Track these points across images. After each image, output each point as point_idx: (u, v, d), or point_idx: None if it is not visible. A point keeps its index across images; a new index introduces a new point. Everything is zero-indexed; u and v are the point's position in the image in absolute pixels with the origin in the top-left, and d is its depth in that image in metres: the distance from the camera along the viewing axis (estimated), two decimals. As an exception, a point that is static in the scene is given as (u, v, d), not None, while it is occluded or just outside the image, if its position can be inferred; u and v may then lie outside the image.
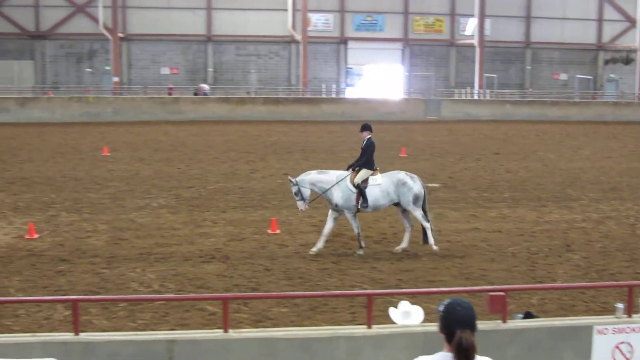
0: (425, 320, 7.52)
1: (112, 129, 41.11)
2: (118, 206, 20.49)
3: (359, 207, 15.58)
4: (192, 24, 60.65)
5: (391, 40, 63.23)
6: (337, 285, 13.52)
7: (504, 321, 8.56)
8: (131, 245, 16.30)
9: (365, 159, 15.85)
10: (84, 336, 8.11)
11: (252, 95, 54.03)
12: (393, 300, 11.21)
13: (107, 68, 58.83)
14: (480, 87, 58.00)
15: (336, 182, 15.56)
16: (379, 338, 8.31)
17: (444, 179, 25.33)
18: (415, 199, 15.60)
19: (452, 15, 63.91)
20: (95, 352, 7.87)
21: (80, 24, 59.79)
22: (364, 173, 15.70)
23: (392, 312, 7.43)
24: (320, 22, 61.94)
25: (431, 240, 15.75)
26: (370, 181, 15.65)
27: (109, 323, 11.39)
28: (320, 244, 15.66)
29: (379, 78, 63.04)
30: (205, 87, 54.54)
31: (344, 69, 63.18)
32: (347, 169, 15.96)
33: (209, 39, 61.19)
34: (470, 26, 61.87)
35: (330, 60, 62.90)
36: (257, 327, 10.59)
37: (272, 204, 20.88)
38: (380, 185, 15.66)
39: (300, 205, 15.77)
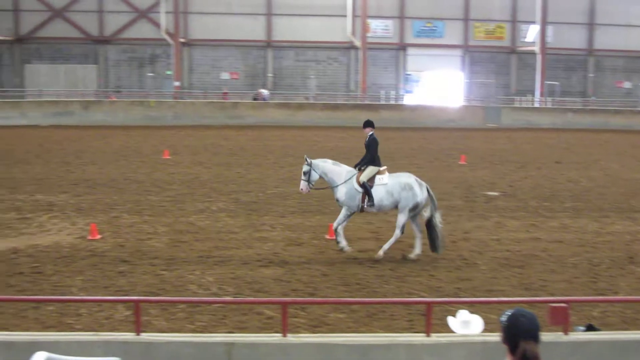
0: (485, 330, 7.45)
1: (172, 133, 41.63)
2: (178, 209, 20.72)
3: (365, 206, 15.54)
4: (252, 29, 61.09)
5: (451, 46, 62.83)
6: (395, 292, 13.45)
7: (566, 333, 8.43)
8: (190, 247, 16.46)
9: (370, 156, 15.85)
10: (145, 336, 8.21)
11: (311, 101, 54.18)
12: (451, 309, 11.12)
13: (169, 73, 59.60)
14: (542, 94, 57.27)
15: (345, 179, 15.54)
16: (438, 347, 8.25)
17: (504, 187, 25.06)
18: (415, 206, 15.51)
19: (514, 21, 63.22)
20: (155, 352, 7.97)
21: (143, 29, 60.69)
22: (369, 171, 15.69)
23: (451, 321, 7.38)
24: (380, 28, 61.83)
25: (387, 245, 15.67)
26: (377, 181, 15.62)
27: (168, 324, 11.51)
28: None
29: (438, 85, 62.68)
30: (265, 92, 54.90)
31: (403, 76, 62.98)
32: (355, 168, 15.92)
33: (268, 44, 61.57)
34: (531, 33, 61.12)
35: (390, 66, 62.76)
36: (315, 332, 10.60)
37: (330, 209, 20.85)
38: (386, 185, 15.61)
39: (304, 187, 15.89)
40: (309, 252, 16.16)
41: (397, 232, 15.65)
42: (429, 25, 62.79)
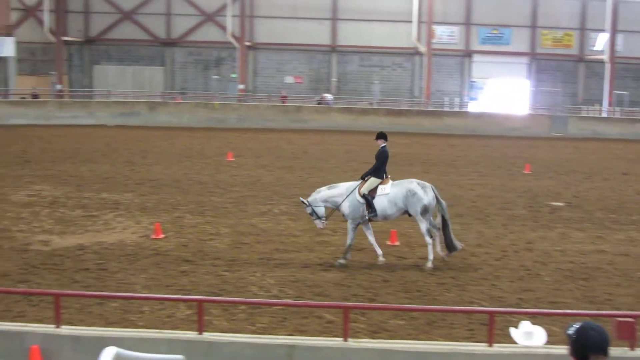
0: (547, 342, 7.34)
1: (236, 135, 42.00)
2: (240, 211, 20.88)
3: (369, 216, 15.49)
4: (317, 34, 61.29)
5: (517, 54, 62.10)
6: (455, 300, 13.34)
7: (632, 349, 8.26)
8: (252, 249, 16.57)
9: (375, 167, 15.74)
10: (208, 335, 8.30)
11: (375, 106, 54.11)
12: (513, 319, 10.98)
13: (233, 75, 60.16)
14: (610, 104, 56.22)
15: (347, 194, 15.53)
16: (500, 357, 8.16)
17: (569, 197, 24.65)
18: (424, 210, 15.41)
19: (582, 29, 62.19)
20: (217, 351, 8.05)
21: (209, 33, 61.38)
22: (371, 182, 15.63)
23: (514, 332, 7.30)
24: (445, 34, 61.47)
25: (430, 255, 15.49)
26: (379, 191, 15.55)
27: (229, 325, 11.60)
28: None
29: (503, 92, 61.99)
30: (329, 96, 55.03)
31: (467, 82, 62.49)
32: (361, 179, 15.88)
33: (333, 49, 61.71)
34: (600, 41, 59.97)
35: (454, 73, 62.35)
36: (374, 338, 10.57)
37: (392, 215, 20.80)
38: (388, 195, 15.52)
39: (319, 224, 15.95)
40: (369, 258, 16.12)
41: (427, 239, 15.56)
42: (495, 32, 62.18)
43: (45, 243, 16.86)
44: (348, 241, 15.73)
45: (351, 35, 61.21)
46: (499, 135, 46.81)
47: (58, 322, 9.14)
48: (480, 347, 8.44)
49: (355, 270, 15.13)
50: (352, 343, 8.24)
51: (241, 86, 56.80)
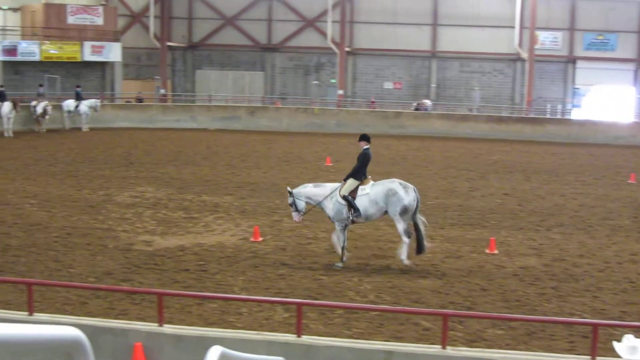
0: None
1: (334, 140, 42.19)
2: (338, 215, 20.91)
3: (353, 217, 15.43)
4: (417, 39, 60.96)
5: (623, 60, 60.32)
6: (556, 311, 13.08)
7: None
8: (350, 254, 16.60)
9: (355, 169, 15.74)
10: (306, 339, 8.38)
11: (475, 113, 53.51)
12: (615, 332, 10.71)
13: (333, 81, 60.45)
14: None
15: (329, 194, 15.55)
16: (604, 371, 7.96)
17: (677, 209, 23.82)
18: (404, 210, 15.29)
19: (693, 35, 60.04)
20: (315, 355, 8.11)
21: (309, 38, 61.85)
22: (349, 184, 15.63)
23: (617, 346, 7.11)
24: (548, 40, 60.20)
25: (404, 254, 15.45)
26: (359, 191, 15.51)
27: (325, 328, 11.66)
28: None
29: (607, 99, 60.31)
30: (428, 102, 54.71)
31: (570, 89, 61.05)
32: (344, 180, 15.86)
33: (433, 54, 61.30)
34: None
35: (557, 79, 61.01)
36: (471, 347, 10.46)
37: (491, 223, 20.56)
38: (369, 194, 15.49)
39: (295, 216, 16.11)
40: (467, 266, 15.97)
41: (405, 239, 15.48)
42: (600, 38, 60.58)
43: (148, 243, 17.31)
44: (341, 244, 15.76)
45: (451, 40, 60.65)
46: (603, 144, 45.58)
47: (161, 320, 9.39)
48: (583, 360, 8.26)
49: (453, 278, 15.00)
50: (451, 351, 8.18)
51: (340, 91, 57.04)
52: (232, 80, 62.84)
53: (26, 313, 9.92)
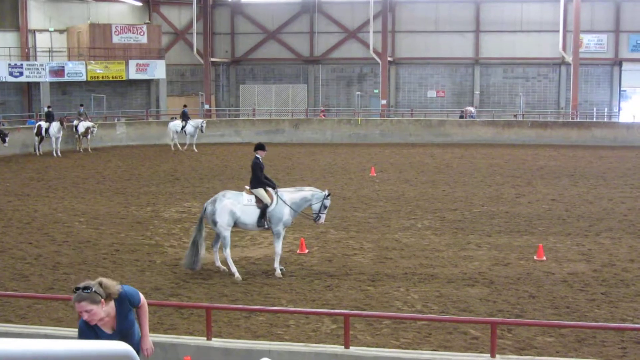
0: None
1: (378, 150, 42.15)
2: (383, 225, 20.92)
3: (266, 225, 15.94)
4: (460, 47, 60.70)
5: (671, 61, 59.42)
6: (606, 317, 12.89)
7: None
8: (396, 264, 16.58)
9: (257, 178, 16.11)
10: (354, 350, 8.37)
11: (519, 119, 53.07)
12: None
13: (376, 91, 60.45)
14: None
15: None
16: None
17: None
18: (212, 223, 15.75)
19: None
20: (363, 366, 8.11)
21: (352, 49, 61.95)
22: (263, 194, 15.97)
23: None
24: (593, 42, 59.49)
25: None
26: (246, 201, 15.94)
27: (373, 339, 11.64)
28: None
29: (655, 102, 59.37)
30: (472, 109, 54.42)
31: (617, 92, 60.22)
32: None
33: (476, 61, 60.96)
34: None
35: (603, 82, 60.22)
36: (521, 355, 10.37)
37: (539, 229, 20.35)
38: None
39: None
40: (515, 273, 15.82)
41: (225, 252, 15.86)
42: (646, 39, 59.70)
43: (196, 258, 17.42)
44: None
45: (494, 47, 60.28)
46: (651, 147, 44.89)
47: (209, 334, 9.45)
48: (635, 367, 8.14)
49: (501, 285, 14.88)
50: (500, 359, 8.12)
51: (383, 101, 56.99)
52: (275, 93, 63.18)
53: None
